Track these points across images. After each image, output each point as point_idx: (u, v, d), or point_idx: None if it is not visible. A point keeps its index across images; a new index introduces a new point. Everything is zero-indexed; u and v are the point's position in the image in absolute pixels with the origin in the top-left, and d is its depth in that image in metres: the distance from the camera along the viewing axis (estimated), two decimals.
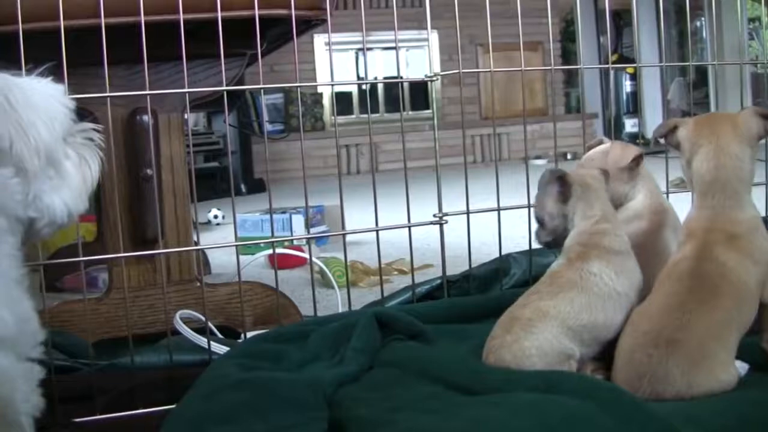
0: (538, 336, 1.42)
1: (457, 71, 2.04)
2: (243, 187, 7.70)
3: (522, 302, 1.50)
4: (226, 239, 4.34)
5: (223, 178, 7.48)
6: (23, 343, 1.11)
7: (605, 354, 1.47)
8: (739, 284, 1.38)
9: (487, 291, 2.12)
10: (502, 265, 2.16)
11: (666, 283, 1.43)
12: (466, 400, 1.35)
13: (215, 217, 5.13)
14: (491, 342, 1.47)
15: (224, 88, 1.84)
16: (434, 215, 2.01)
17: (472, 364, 1.48)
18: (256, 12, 1.80)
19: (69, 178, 1.26)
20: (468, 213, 2.03)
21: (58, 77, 1.31)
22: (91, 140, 1.32)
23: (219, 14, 1.77)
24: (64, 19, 1.67)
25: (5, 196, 1.15)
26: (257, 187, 7.81)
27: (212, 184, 6.91)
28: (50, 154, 1.22)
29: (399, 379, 1.48)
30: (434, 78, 2.04)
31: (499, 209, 2.06)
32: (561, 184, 1.57)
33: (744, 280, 1.39)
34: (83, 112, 1.80)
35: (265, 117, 8.97)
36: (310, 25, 2.03)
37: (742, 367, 1.38)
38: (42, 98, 1.22)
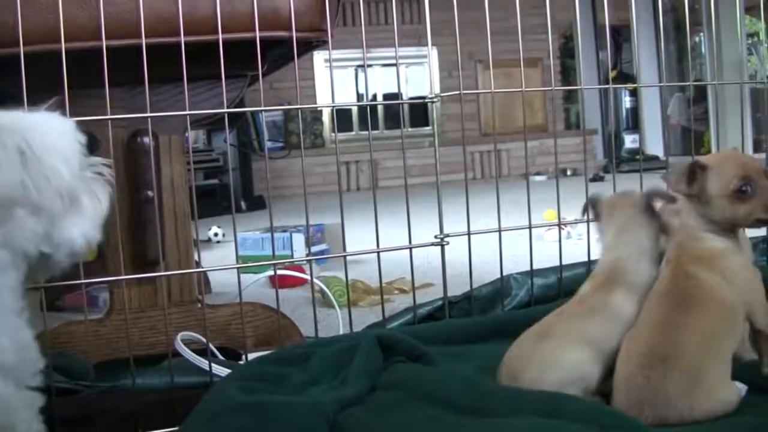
0: (564, 356, 1.43)
1: (457, 92, 2.05)
2: (243, 205, 7.70)
3: (551, 321, 1.53)
4: (226, 257, 4.33)
5: (223, 195, 7.49)
6: (23, 371, 1.11)
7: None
8: (714, 295, 1.40)
9: (489, 312, 2.12)
10: (503, 285, 2.16)
11: (649, 305, 1.45)
12: (469, 422, 1.35)
13: (215, 235, 5.13)
14: (508, 357, 1.48)
15: (225, 110, 1.84)
16: (435, 236, 2.01)
17: (474, 385, 1.48)
18: (257, 34, 1.81)
19: (85, 210, 1.26)
20: (469, 234, 2.03)
21: (59, 99, 1.31)
22: (100, 174, 1.32)
23: (220, 36, 1.77)
24: (65, 41, 1.68)
25: (16, 232, 1.16)
26: (257, 204, 7.82)
27: (212, 202, 6.91)
28: (72, 194, 1.23)
29: (401, 402, 1.48)
30: (435, 99, 2.05)
31: (500, 230, 2.06)
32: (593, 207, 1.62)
33: (717, 291, 1.41)
34: (88, 135, 1.80)
35: (266, 135, 8.99)
36: (311, 46, 2.03)
37: (741, 388, 1.38)
38: (59, 137, 1.22)
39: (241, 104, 2.22)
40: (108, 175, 1.33)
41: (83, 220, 1.25)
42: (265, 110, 1.82)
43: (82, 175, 1.27)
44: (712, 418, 1.31)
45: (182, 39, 1.74)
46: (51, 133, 1.22)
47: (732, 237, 1.49)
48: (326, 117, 9.93)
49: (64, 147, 1.22)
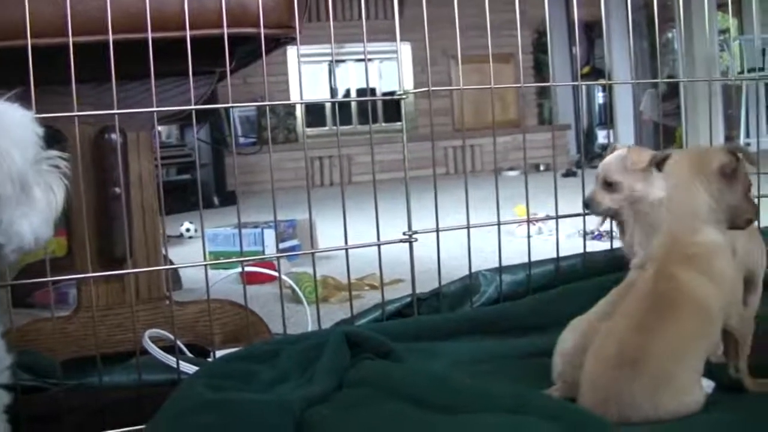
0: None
1: (426, 89, 2.05)
2: (216, 200, 7.67)
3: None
4: (198, 253, 4.30)
5: (195, 190, 7.46)
6: None
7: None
8: (695, 299, 1.40)
9: (458, 309, 2.13)
10: (472, 282, 2.16)
11: (626, 304, 1.45)
12: (437, 419, 1.35)
13: (187, 230, 5.11)
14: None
15: (193, 107, 1.84)
16: (404, 233, 2.01)
17: (442, 382, 1.48)
18: (225, 30, 1.80)
19: (37, 204, 1.25)
20: (438, 231, 2.03)
21: (25, 95, 1.30)
22: (57, 167, 1.31)
23: (188, 33, 1.77)
24: (31, 37, 1.67)
25: None
26: (230, 199, 7.78)
27: (184, 197, 6.88)
28: (23, 181, 1.21)
29: (368, 399, 1.48)
30: (405, 96, 2.05)
31: (468, 227, 2.06)
32: None
33: (700, 295, 1.40)
34: (54, 131, 1.79)
35: (237, 131, 8.96)
36: (279, 42, 2.03)
37: (708, 385, 1.39)
38: (14, 124, 1.21)
39: (212, 99, 2.21)
40: (65, 168, 1.32)
41: (34, 214, 1.24)
42: (234, 107, 1.82)
43: (37, 167, 1.26)
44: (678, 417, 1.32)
45: (149, 35, 1.73)
46: (6, 118, 1.21)
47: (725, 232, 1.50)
48: (300, 112, 9.91)
49: (19, 135, 1.21)
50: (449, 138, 10.09)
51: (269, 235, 3.79)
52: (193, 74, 1.77)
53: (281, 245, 3.71)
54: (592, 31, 10.58)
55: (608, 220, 1.92)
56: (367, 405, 1.45)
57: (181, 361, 1.73)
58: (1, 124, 1.19)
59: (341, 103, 9.47)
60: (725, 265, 1.45)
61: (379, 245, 2.00)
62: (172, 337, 1.82)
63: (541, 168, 9.54)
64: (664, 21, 9.65)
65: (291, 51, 9.57)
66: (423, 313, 2.08)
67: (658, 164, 1.61)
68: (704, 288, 1.40)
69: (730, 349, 1.47)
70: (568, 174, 8.31)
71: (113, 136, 1.89)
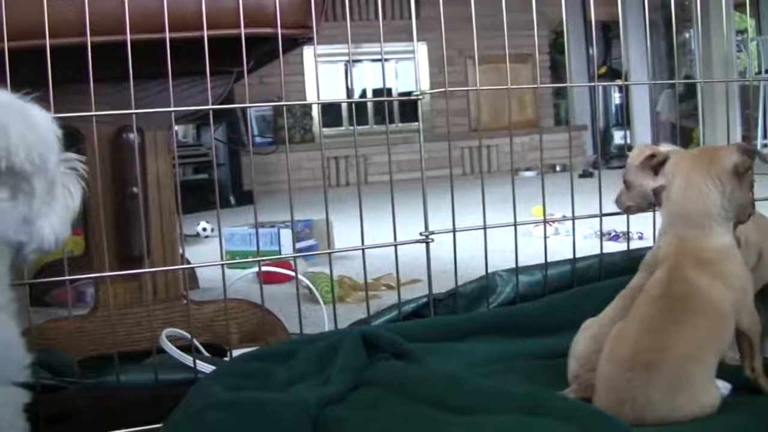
0: None
1: (443, 89, 2.05)
2: (232, 199, 7.68)
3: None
4: (214, 252, 4.33)
5: (212, 190, 7.46)
6: (7, 368, 1.10)
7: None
8: (711, 303, 1.40)
9: (474, 309, 2.12)
10: (488, 283, 2.15)
11: (639, 307, 1.44)
12: (452, 420, 1.35)
13: (204, 230, 5.12)
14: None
15: (210, 107, 1.84)
16: (420, 233, 2.01)
17: (457, 383, 1.48)
18: (242, 31, 1.81)
19: (56, 204, 1.25)
20: (454, 231, 2.03)
21: (44, 95, 1.31)
22: (74, 170, 1.31)
23: (205, 33, 1.77)
24: (50, 37, 1.67)
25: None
26: (247, 198, 7.80)
27: (202, 196, 6.90)
28: (53, 180, 1.22)
29: (384, 399, 1.48)
30: (421, 97, 2.05)
31: (485, 227, 2.06)
32: None
33: (715, 299, 1.40)
34: (72, 131, 1.79)
35: (254, 131, 8.96)
36: (296, 42, 2.03)
37: (724, 387, 1.39)
38: (42, 124, 1.22)
39: (229, 99, 2.21)
40: (82, 171, 1.32)
41: (53, 215, 1.24)
42: (251, 106, 1.82)
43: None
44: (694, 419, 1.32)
45: (167, 35, 1.74)
46: (35, 120, 1.21)
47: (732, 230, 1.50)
48: (316, 112, 9.92)
49: (47, 132, 1.22)
50: (466, 138, 10.07)
51: (286, 234, 3.80)
52: (211, 74, 1.78)
53: (298, 245, 3.72)
54: (609, 31, 10.55)
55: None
56: (382, 405, 1.45)
57: (198, 361, 1.73)
58: (32, 124, 1.20)
59: (357, 103, 9.47)
60: (736, 266, 1.45)
61: (395, 245, 2.00)
62: (189, 336, 1.83)
63: (558, 168, 9.52)
64: (681, 21, 9.63)
65: (307, 51, 9.56)
66: (439, 314, 2.08)
67: (655, 167, 1.58)
68: (718, 291, 1.40)
69: (744, 348, 1.47)
70: (585, 174, 8.30)
71: (131, 135, 1.90)
